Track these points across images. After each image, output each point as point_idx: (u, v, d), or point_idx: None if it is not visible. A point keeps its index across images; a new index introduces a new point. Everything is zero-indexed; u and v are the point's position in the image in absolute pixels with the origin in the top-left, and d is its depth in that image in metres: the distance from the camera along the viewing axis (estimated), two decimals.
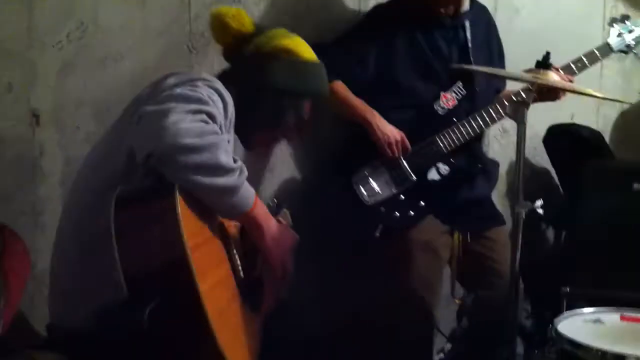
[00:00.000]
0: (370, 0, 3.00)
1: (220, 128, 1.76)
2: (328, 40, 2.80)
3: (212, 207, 1.77)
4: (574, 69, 2.78)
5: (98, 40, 2.49)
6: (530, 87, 2.25)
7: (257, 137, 2.14)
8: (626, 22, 2.91)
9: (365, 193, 2.67)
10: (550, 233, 3.70)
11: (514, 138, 3.22)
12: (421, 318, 2.68)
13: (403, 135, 2.66)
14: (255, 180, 2.82)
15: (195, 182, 1.65)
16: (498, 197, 3.48)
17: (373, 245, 2.71)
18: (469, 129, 2.72)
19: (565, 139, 3.48)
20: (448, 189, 2.74)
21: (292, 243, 2.00)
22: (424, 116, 2.73)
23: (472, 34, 2.81)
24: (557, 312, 2.27)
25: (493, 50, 2.93)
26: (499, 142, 3.55)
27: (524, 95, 2.63)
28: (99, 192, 1.78)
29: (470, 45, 2.81)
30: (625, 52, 2.93)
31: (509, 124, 3.47)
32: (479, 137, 2.83)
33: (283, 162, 2.94)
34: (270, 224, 1.91)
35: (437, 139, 2.70)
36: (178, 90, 1.72)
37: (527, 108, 2.17)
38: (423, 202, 2.69)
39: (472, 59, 2.79)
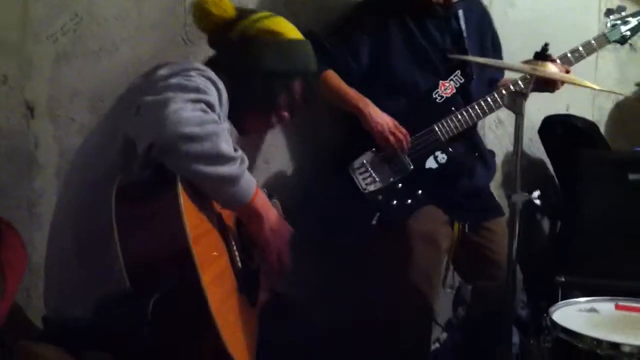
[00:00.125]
0: None
1: (219, 117, 1.77)
2: (321, 29, 2.80)
3: (213, 197, 1.77)
4: (571, 59, 2.79)
5: (93, 32, 2.48)
6: (528, 78, 2.25)
7: (250, 122, 2.14)
8: (622, 13, 2.92)
9: (362, 181, 2.67)
10: (545, 223, 3.71)
11: (510, 129, 3.26)
12: (420, 309, 2.67)
13: (396, 122, 2.65)
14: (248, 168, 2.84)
15: (197, 171, 1.65)
16: (494, 187, 3.49)
17: (371, 235, 2.71)
18: (467, 117, 2.73)
19: (560, 130, 3.49)
20: (447, 178, 2.74)
21: (289, 235, 1.99)
22: (422, 104, 2.74)
23: (466, 24, 2.82)
24: (552, 301, 2.27)
25: (487, 40, 2.94)
26: (495, 132, 3.56)
27: (522, 86, 2.65)
28: (95, 184, 1.77)
29: (465, 34, 2.81)
30: (621, 43, 2.95)
31: (504, 115, 3.48)
32: (475, 126, 2.83)
33: (279, 152, 2.94)
34: (270, 215, 1.90)
35: (435, 127, 2.71)
36: (174, 80, 1.72)
37: (525, 99, 2.17)
38: (421, 190, 2.69)
39: (467, 47, 2.80)
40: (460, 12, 2.82)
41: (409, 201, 2.68)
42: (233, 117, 2.04)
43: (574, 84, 2.32)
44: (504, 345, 2.21)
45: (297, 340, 2.02)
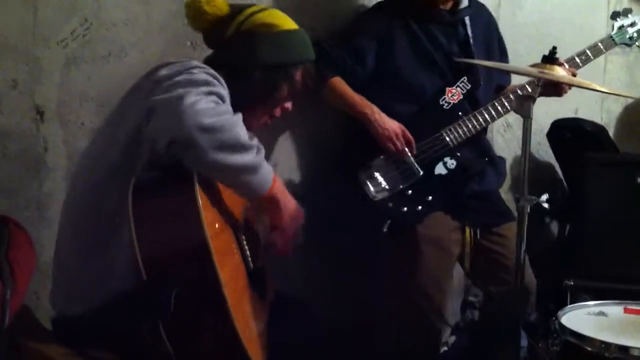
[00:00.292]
0: None
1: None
2: (329, 35, 2.80)
3: (234, 188, 1.80)
4: (578, 62, 2.79)
5: (102, 37, 2.50)
6: (537, 82, 2.25)
7: (254, 117, 2.13)
8: (629, 15, 2.92)
9: (372, 188, 2.66)
10: (554, 226, 3.71)
11: (518, 133, 3.25)
12: (430, 314, 2.67)
13: (403, 128, 2.65)
14: None
15: (219, 162, 1.66)
16: (503, 191, 3.48)
17: (381, 241, 2.71)
18: (475, 123, 2.72)
19: (569, 133, 3.49)
20: (456, 184, 2.73)
21: (302, 217, 2.01)
22: (429, 111, 2.73)
23: (473, 30, 2.82)
24: (561, 305, 2.27)
25: (493, 46, 2.93)
26: (503, 136, 3.56)
27: (529, 90, 2.65)
28: (97, 185, 1.80)
29: (471, 41, 2.81)
30: (628, 45, 2.94)
31: (513, 119, 3.48)
32: (484, 131, 2.83)
33: (287, 159, 2.94)
34: (287, 201, 1.92)
35: (444, 133, 2.70)
36: (180, 78, 1.73)
37: (533, 102, 2.17)
38: (431, 197, 2.69)
39: (474, 54, 2.80)
40: (467, 19, 2.81)
41: (420, 207, 2.68)
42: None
43: (583, 87, 2.31)
44: (512, 349, 2.21)
45: (306, 342, 2.03)
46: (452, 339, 3.13)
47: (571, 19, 3.70)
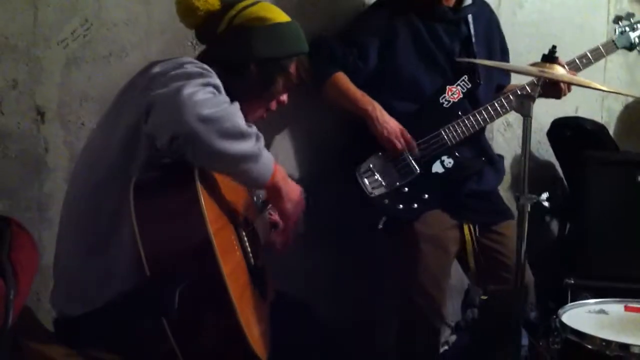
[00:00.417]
0: None
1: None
2: (331, 32, 2.80)
3: (237, 178, 1.81)
4: (579, 64, 2.79)
5: (102, 37, 2.50)
6: (536, 81, 2.25)
7: (250, 111, 2.10)
8: (631, 19, 2.93)
9: (369, 185, 2.67)
10: (554, 225, 3.71)
11: (518, 132, 3.25)
12: (428, 312, 2.67)
13: (403, 128, 2.65)
14: None
15: (222, 151, 1.66)
16: (503, 190, 3.49)
17: (377, 238, 2.71)
18: (474, 122, 2.72)
19: (569, 132, 3.49)
20: (454, 182, 2.74)
21: (303, 201, 2.03)
22: (429, 109, 2.73)
23: (475, 29, 2.82)
24: (562, 303, 2.28)
25: (495, 45, 2.93)
26: (503, 135, 3.56)
27: (529, 90, 2.65)
28: (96, 185, 1.80)
29: (473, 39, 2.81)
30: (629, 49, 2.95)
31: (513, 118, 3.48)
32: (483, 130, 2.83)
33: (287, 158, 2.95)
34: (290, 189, 1.94)
35: (442, 131, 2.71)
36: (174, 72, 1.73)
37: (533, 101, 2.17)
38: (427, 195, 2.69)
39: (475, 52, 2.80)
40: (470, 17, 2.81)
41: (415, 205, 2.68)
42: None
43: (583, 85, 2.31)
44: (513, 348, 2.21)
45: (307, 342, 2.03)
46: (453, 338, 3.14)
47: (571, 19, 3.71)
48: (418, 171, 2.69)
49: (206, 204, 1.66)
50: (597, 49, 2.84)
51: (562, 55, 2.24)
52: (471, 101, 2.77)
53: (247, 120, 2.12)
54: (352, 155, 2.73)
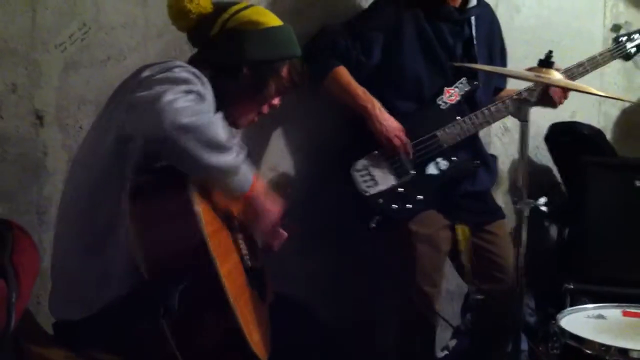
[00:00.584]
0: None
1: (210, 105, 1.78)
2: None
3: (215, 187, 1.79)
4: (575, 73, 2.79)
5: (100, 41, 2.50)
6: (533, 86, 2.26)
7: (242, 114, 2.12)
8: (628, 29, 2.94)
9: (363, 184, 2.67)
10: (553, 230, 3.71)
11: (516, 136, 3.26)
12: (423, 310, 2.69)
13: (402, 127, 2.66)
14: None
15: (197, 161, 1.65)
16: (501, 194, 3.49)
17: (370, 237, 2.72)
18: (470, 125, 2.73)
19: (566, 137, 3.50)
20: (447, 184, 2.75)
21: (279, 211, 1.99)
22: (426, 109, 2.74)
23: (477, 30, 2.82)
24: (560, 308, 2.28)
25: (495, 48, 2.94)
26: (501, 140, 3.56)
27: (526, 95, 2.66)
28: (90, 187, 1.80)
29: (475, 41, 2.82)
30: (625, 60, 2.96)
31: (511, 123, 3.49)
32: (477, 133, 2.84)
33: (286, 159, 2.95)
34: (268, 204, 1.92)
35: (438, 133, 2.71)
36: (161, 76, 1.72)
37: (531, 106, 2.18)
38: (421, 196, 2.70)
39: (476, 55, 2.80)
40: (473, 18, 2.82)
41: (409, 206, 2.68)
42: (224, 111, 2.03)
43: (580, 91, 2.32)
44: (512, 353, 2.21)
45: (298, 339, 2.03)
46: (453, 342, 3.14)
47: (568, 24, 3.71)
48: (413, 172, 2.69)
49: (200, 207, 1.66)
50: (594, 58, 2.85)
51: (559, 60, 2.24)
52: (469, 103, 2.78)
53: (239, 123, 2.14)
54: (349, 154, 2.73)
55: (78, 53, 2.47)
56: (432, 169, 2.72)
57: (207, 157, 1.65)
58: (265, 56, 2.06)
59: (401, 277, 2.72)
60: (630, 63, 3.00)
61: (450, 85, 2.75)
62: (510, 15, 3.50)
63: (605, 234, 3.06)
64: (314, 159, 2.97)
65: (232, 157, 1.72)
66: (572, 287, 2.98)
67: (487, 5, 2.97)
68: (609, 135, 3.80)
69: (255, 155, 2.87)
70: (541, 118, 3.43)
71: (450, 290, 3.30)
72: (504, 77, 3.02)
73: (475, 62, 2.77)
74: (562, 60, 2.73)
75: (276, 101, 2.16)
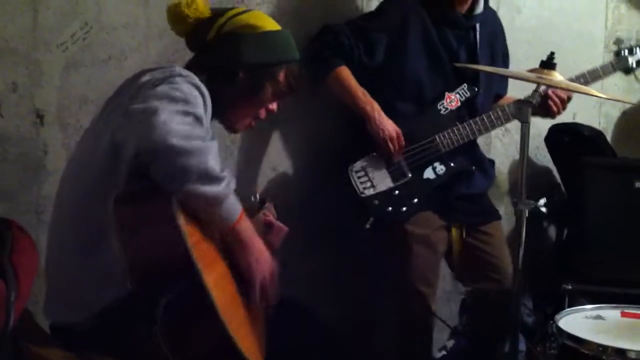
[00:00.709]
0: (373, 1, 3.01)
1: (207, 130, 1.75)
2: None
3: (197, 214, 1.73)
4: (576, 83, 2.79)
5: (102, 40, 2.51)
6: (535, 89, 2.26)
7: (239, 118, 2.12)
8: (630, 43, 2.98)
9: (360, 185, 2.68)
10: (552, 231, 3.72)
11: (516, 137, 3.26)
12: (419, 310, 2.69)
13: (399, 132, 2.66)
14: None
15: (181, 185, 1.63)
16: (500, 195, 3.50)
17: (365, 237, 2.72)
18: (469, 131, 2.74)
19: (566, 138, 3.50)
20: (443, 188, 2.75)
21: (273, 268, 1.90)
22: (426, 114, 2.74)
23: (481, 37, 2.83)
24: (559, 308, 2.28)
25: (498, 54, 2.94)
26: (501, 141, 3.57)
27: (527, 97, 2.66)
28: (84, 191, 1.79)
29: (478, 47, 2.82)
30: (626, 73, 2.98)
31: (511, 124, 3.47)
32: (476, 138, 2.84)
33: (287, 159, 2.96)
34: (255, 242, 1.84)
35: (437, 138, 2.72)
36: (160, 89, 1.70)
37: (531, 107, 2.18)
38: (417, 199, 2.70)
39: (479, 61, 2.81)
40: (477, 25, 2.82)
41: (404, 208, 2.69)
42: (221, 115, 2.05)
43: (581, 92, 2.32)
44: (509, 352, 2.22)
45: (297, 339, 2.02)
46: (451, 343, 3.14)
47: (569, 25, 3.71)
48: (410, 175, 2.70)
49: (185, 216, 1.64)
50: (595, 70, 2.87)
51: (561, 61, 2.24)
52: (469, 109, 2.78)
53: (235, 127, 2.14)
54: (348, 154, 2.73)
55: (79, 53, 2.48)
56: (429, 173, 2.73)
57: (190, 184, 1.63)
58: (261, 60, 2.06)
59: (398, 278, 2.72)
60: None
61: (451, 89, 2.76)
62: (511, 16, 3.51)
63: (604, 234, 3.06)
64: (314, 159, 2.97)
65: (220, 189, 1.68)
66: (570, 287, 2.98)
67: (493, 11, 2.97)
68: (609, 137, 3.81)
69: (255, 155, 2.88)
70: (541, 119, 3.43)
71: (447, 290, 3.30)
72: (504, 84, 3.02)
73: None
74: (563, 61, 2.71)
75: (273, 106, 2.16)
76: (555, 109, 2.80)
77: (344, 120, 2.82)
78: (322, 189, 2.86)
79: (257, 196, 2.28)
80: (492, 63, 2.88)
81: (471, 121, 2.74)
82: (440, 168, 2.73)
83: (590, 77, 2.84)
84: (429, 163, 2.72)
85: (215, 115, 1.98)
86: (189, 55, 2.61)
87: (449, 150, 2.72)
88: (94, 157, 1.80)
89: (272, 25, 2.11)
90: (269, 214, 2.22)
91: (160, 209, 1.64)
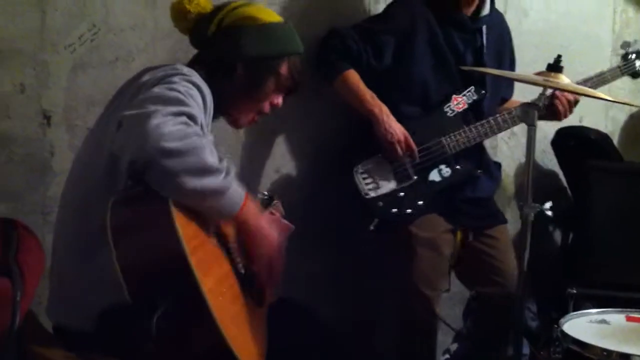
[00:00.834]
0: (380, 3, 3.01)
1: (202, 127, 1.73)
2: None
3: (201, 210, 1.72)
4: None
5: (109, 42, 2.52)
6: (542, 92, 2.25)
7: (243, 113, 2.10)
8: (637, 47, 2.96)
9: (365, 186, 2.67)
10: (557, 234, 3.71)
11: (523, 140, 3.26)
12: (424, 313, 2.69)
13: (407, 135, 2.66)
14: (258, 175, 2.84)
15: (181, 185, 1.60)
16: (507, 198, 3.49)
17: (371, 239, 2.72)
18: (475, 134, 2.74)
19: (573, 142, 3.50)
20: (449, 190, 2.75)
21: (281, 241, 1.90)
22: (433, 116, 2.75)
23: (488, 40, 2.83)
24: (563, 313, 2.28)
25: (505, 58, 2.94)
26: (508, 144, 3.56)
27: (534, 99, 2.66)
28: (85, 195, 1.79)
29: (485, 50, 2.82)
30: (633, 77, 2.97)
31: (518, 127, 3.47)
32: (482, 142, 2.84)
33: (290, 161, 2.96)
34: (261, 223, 1.83)
35: (443, 140, 2.71)
36: (156, 91, 1.68)
37: (538, 111, 2.18)
38: (421, 201, 2.70)
39: (485, 63, 2.81)
40: (484, 27, 2.82)
41: (409, 210, 2.69)
42: (223, 111, 2.03)
43: (588, 95, 2.31)
44: (513, 356, 2.21)
45: (297, 339, 2.02)
46: (454, 346, 3.14)
47: (577, 28, 3.71)
48: (415, 178, 2.70)
49: (183, 220, 1.62)
50: (603, 74, 2.87)
51: (568, 65, 2.24)
52: (475, 112, 2.78)
53: (239, 122, 2.11)
54: (352, 156, 2.73)
55: (87, 54, 2.49)
56: (434, 176, 2.73)
57: (191, 182, 1.61)
58: (261, 52, 2.03)
59: (401, 280, 2.72)
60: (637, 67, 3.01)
61: (458, 92, 2.75)
62: (518, 20, 3.50)
63: (609, 238, 3.06)
64: (317, 160, 2.98)
65: (219, 180, 1.66)
66: (575, 291, 2.98)
67: (500, 14, 2.97)
68: (616, 140, 3.80)
69: (258, 157, 2.89)
70: (548, 122, 3.43)
71: (454, 292, 3.29)
72: (511, 87, 3.02)
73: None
74: (570, 64, 2.72)
75: (278, 100, 2.13)
76: (562, 109, 2.79)
77: (348, 122, 2.83)
78: (325, 190, 2.87)
79: (265, 193, 2.28)
80: (499, 66, 2.88)
81: (478, 124, 2.74)
82: (446, 170, 2.72)
83: (597, 80, 2.84)
84: (435, 165, 2.72)
85: (218, 110, 1.97)
86: None
87: (455, 152, 2.72)
88: (97, 158, 1.79)
89: (273, 17, 2.08)
90: (276, 211, 2.22)
91: (157, 212, 1.62)
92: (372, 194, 2.67)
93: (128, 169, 1.64)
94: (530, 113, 2.17)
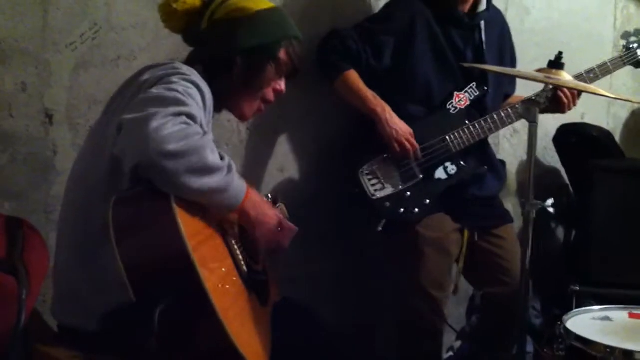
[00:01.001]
0: (381, 1, 3.01)
1: (202, 126, 1.73)
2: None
3: (207, 205, 1.74)
4: (586, 79, 2.78)
5: (111, 40, 2.52)
6: (544, 88, 2.25)
7: (247, 105, 2.08)
8: (639, 36, 2.94)
9: (371, 187, 2.67)
10: (559, 232, 3.71)
11: (525, 138, 3.26)
12: (431, 313, 2.69)
13: (412, 132, 2.66)
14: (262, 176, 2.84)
15: (185, 186, 1.62)
16: (509, 196, 3.49)
17: (380, 241, 2.72)
18: (479, 130, 2.73)
19: (575, 139, 3.50)
20: (456, 188, 2.74)
21: (281, 218, 1.95)
22: (436, 114, 2.75)
23: (487, 36, 2.82)
24: (566, 310, 2.28)
25: (505, 54, 2.94)
26: (509, 141, 3.57)
27: (536, 97, 2.65)
28: (87, 195, 1.79)
29: (485, 46, 2.82)
30: (636, 67, 2.95)
31: (519, 124, 3.48)
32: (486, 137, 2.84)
33: (294, 161, 2.96)
34: (262, 214, 1.87)
35: (447, 137, 2.71)
36: (155, 92, 1.69)
37: (539, 107, 2.18)
38: (429, 200, 2.70)
39: (486, 60, 2.80)
40: (482, 24, 2.82)
41: (417, 210, 2.69)
42: (227, 105, 2.03)
43: (590, 92, 2.31)
44: (517, 354, 2.22)
45: (299, 341, 2.02)
46: (458, 344, 3.14)
47: (578, 26, 3.71)
48: (421, 176, 2.70)
49: (185, 217, 1.63)
50: (605, 64, 2.84)
51: (569, 62, 2.24)
52: (478, 109, 2.78)
53: (244, 114, 2.10)
54: (357, 156, 2.73)
55: (89, 53, 2.49)
56: (440, 174, 2.72)
57: (195, 182, 1.62)
58: (257, 42, 2.01)
59: (407, 280, 2.71)
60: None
61: (460, 90, 2.75)
62: (520, 18, 3.51)
63: (612, 236, 3.06)
64: (321, 161, 2.98)
65: (222, 177, 1.68)
66: (578, 289, 2.98)
67: (498, 10, 2.97)
68: (618, 137, 3.80)
69: (262, 157, 2.89)
70: (550, 119, 3.43)
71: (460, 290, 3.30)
72: (513, 83, 3.02)
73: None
74: (572, 62, 2.72)
75: (281, 86, 2.11)
76: (565, 101, 2.77)
77: (352, 122, 2.82)
78: (328, 190, 2.87)
79: (269, 196, 2.28)
80: (501, 63, 2.88)
81: (481, 120, 2.74)
82: (452, 168, 2.72)
83: (599, 71, 2.82)
84: (440, 163, 2.72)
85: (223, 105, 1.97)
86: None
87: (460, 149, 2.72)
88: (99, 158, 1.79)
89: (264, 4, 2.06)
90: (281, 214, 2.22)
91: (159, 209, 1.63)
92: (379, 195, 2.67)
93: (131, 171, 1.64)
94: (532, 110, 2.17)
